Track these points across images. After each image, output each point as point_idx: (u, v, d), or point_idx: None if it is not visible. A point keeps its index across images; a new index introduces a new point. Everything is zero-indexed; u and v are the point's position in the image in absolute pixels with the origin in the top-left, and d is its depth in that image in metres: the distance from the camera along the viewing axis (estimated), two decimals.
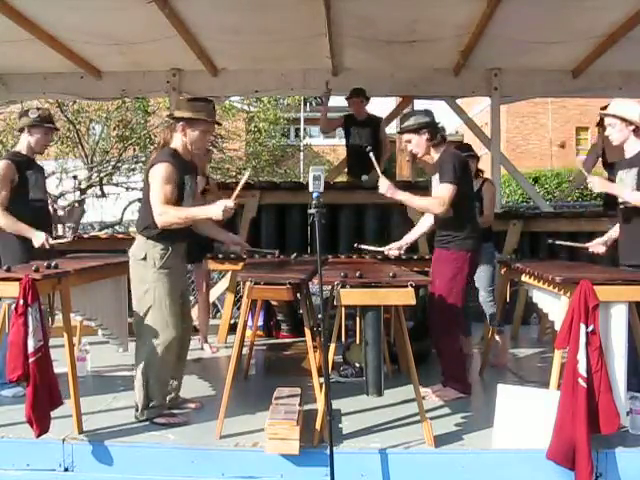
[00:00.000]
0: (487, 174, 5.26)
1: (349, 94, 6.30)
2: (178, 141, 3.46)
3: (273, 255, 4.24)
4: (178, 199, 3.38)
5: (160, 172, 3.30)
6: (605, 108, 3.77)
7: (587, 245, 3.92)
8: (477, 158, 4.92)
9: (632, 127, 3.55)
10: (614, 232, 3.84)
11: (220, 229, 3.79)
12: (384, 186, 3.87)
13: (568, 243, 4.28)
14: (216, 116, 3.65)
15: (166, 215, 3.28)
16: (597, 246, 3.87)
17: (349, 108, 6.46)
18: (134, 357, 3.47)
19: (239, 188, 3.41)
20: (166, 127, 3.66)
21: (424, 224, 4.19)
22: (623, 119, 3.55)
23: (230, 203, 3.28)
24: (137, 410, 3.41)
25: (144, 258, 3.37)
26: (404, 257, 5.03)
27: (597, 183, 3.60)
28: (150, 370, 3.37)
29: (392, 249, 4.14)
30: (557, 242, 4.37)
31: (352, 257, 5.08)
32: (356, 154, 6.34)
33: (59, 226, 5.01)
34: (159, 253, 3.36)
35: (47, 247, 3.93)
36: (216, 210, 3.29)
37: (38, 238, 3.92)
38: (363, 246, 4.31)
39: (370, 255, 5.03)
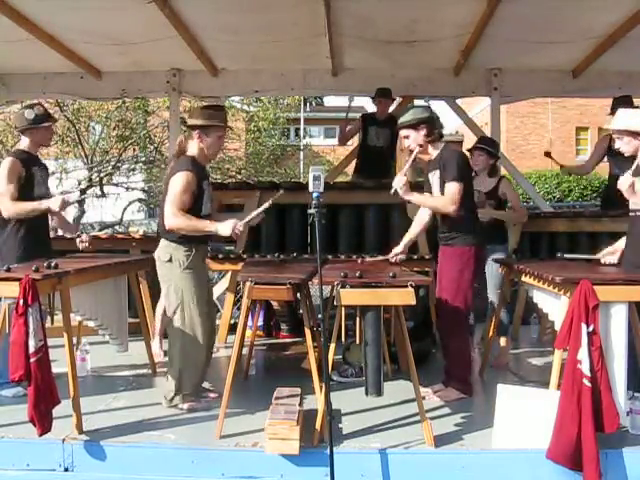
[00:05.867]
0: None
1: (375, 93, 6.33)
2: (195, 148, 3.65)
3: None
4: (198, 206, 3.56)
5: (181, 180, 3.50)
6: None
7: (598, 256, 3.84)
8: (497, 157, 4.92)
9: None
10: (622, 242, 3.77)
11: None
12: (400, 182, 3.81)
13: (578, 255, 4.19)
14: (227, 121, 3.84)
15: (177, 219, 3.46)
16: (608, 256, 3.76)
17: (373, 106, 6.51)
18: (167, 350, 3.71)
19: (255, 213, 3.63)
20: (181, 134, 3.86)
21: (419, 222, 4.14)
22: (630, 132, 3.55)
23: (240, 227, 3.47)
24: (166, 398, 3.61)
25: (169, 260, 3.57)
26: (404, 257, 5.03)
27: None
28: (183, 364, 3.58)
29: (397, 255, 4.07)
30: (567, 255, 4.28)
31: (352, 257, 5.07)
32: (371, 154, 6.39)
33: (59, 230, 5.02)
34: (184, 255, 3.56)
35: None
36: (225, 229, 3.47)
37: (51, 202, 4.00)
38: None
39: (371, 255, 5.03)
